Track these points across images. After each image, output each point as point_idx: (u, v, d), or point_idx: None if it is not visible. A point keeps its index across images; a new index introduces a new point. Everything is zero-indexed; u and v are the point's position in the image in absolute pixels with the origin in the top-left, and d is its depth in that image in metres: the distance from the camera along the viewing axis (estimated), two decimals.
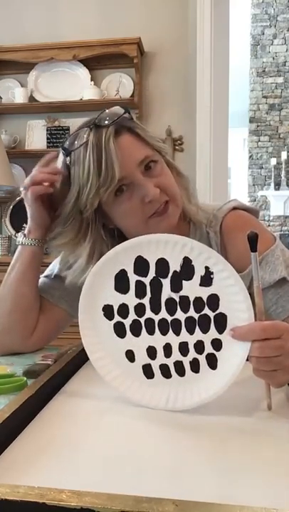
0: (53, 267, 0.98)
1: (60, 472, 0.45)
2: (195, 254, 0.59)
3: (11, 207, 2.80)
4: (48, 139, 2.79)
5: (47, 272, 0.99)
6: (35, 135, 2.87)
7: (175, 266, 0.60)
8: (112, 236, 0.86)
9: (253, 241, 0.58)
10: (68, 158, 0.82)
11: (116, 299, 0.62)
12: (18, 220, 2.78)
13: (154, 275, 0.60)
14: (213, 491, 0.41)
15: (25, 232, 0.92)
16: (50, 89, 2.81)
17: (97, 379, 0.70)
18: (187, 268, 0.59)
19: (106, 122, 0.79)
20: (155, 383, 0.62)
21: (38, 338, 0.93)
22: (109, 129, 0.78)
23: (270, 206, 6.62)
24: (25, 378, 0.73)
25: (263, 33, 6.52)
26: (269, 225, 6.45)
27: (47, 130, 2.79)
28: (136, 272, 0.61)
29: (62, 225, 0.85)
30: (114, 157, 0.77)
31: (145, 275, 0.61)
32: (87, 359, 0.78)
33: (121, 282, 0.62)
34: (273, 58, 6.55)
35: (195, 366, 0.60)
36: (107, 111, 0.82)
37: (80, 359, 0.76)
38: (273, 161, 6.54)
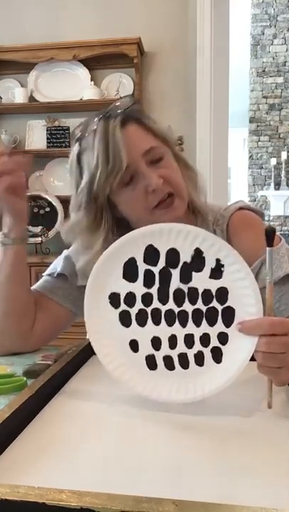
0: (55, 265, 0.98)
1: (60, 472, 0.45)
2: (207, 246, 0.58)
3: None
4: (48, 139, 2.79)
5: (49, 270, 0.98)
6: (35, 135, 2.87)
7: (186, 257, 0.59)
8: (124, 226, 0.86)
9: (269, 236, 0.58)
10: (79, 146, 0.84)
11: (123, 287, 0.61)
12: None
13: (164, 265, 0.60)
14: (213, 491, 0.41)
15: (5, 231, 0.88)
16: (50, 89, 2.81)
17: (97, 379, 0.70)
18: (198, 259, 0.59)
19: (115, 112, 0.82)
20: (158, 375, 0.61)
21: (39, 337, 0.93)
22: (116, 118, 0.81)
23: (270, 206, 6.62)
24: (25, 378, 0.73)
25: (263, 33, 6.52)
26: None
27: (47, 130, 2.79)
28: (146, 260, 0.60)
29: (76, 212, 0.86)
30: (121, 146, 0.79)
31: (155, 264, 0.60)
32: (87, 359, 0.78)
33: (129, 270, 0.61)
34: (273, 58, 6.56)
35: (199, 359, 0.60)
36: (117, 102, 0.85)
37: (80, 359, 0.76)
38: (273, 161, 6.54)
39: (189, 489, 0.42)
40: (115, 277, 0.62)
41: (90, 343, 0.80)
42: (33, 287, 0.97)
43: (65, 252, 0.99)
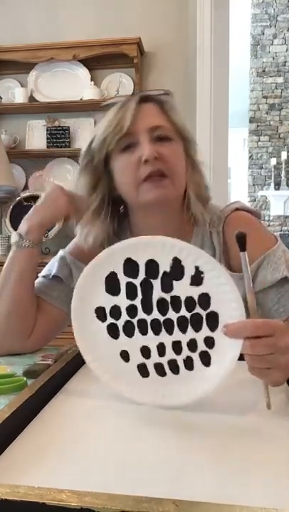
0: (51, 266, 0.98)
1: (60, 472, 0.45)
2: (184, 255, 0.59)
3: (11, 207, 2.79)
4: (48, 139, 2.79)
5: (44, 271, 0.99)
6: (35, 135, 2.87)
7: (165, 267, 0.60)
8: (119, 204, 0.92)
9: (240, 241, 0.58)
10: (102, 113, 0.89)
11: (108, 301, 0.62)
12: (18, 220, 2.78)
13: (144, 276, 0.60)
14: (213, 491, 0.41)
15: (22, 232, 0.90)
16: (50, 89, 2.81)
17: (97, 379, 0.70)
18: (177, 268, 0.59)
19: (141, 92, 0.89)
20: (151, 381, 0.62)
21: (36, 339, 0.93)
22: (137, 95, 0.87)
23: (270, 206, 6.62)
24: (25, 378, 0.73)
25: (263, 33, 6.52)
26: (269, 225, 6.45)
27: (47, 130, 2.79)
28: (126, 273, 0.61)
29: (78, 172, 0.91)
30: (129, 114, 0.83)
31: (135, 277, 0.61)
32: None
33: (111, 284, 0.62)
34: (273, 58, 6.55)
35: (189, 364, 0.61)
36: (151, 90, 0.92)
37: (80, 359, 0.76)
38: (273, 161, 6.54)
39: (189, 489, 0.42)
40: (99, 292, 0.62)
41: None
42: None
43: (61, 253, 0.99)
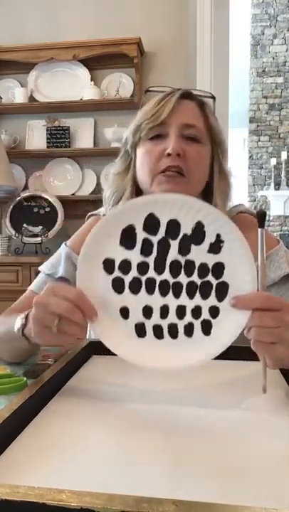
0: (54, 264, 0.96)
1: (60, 472, 0.45)
2: (209, 220, 0.59)
3: (11, 207, 2.80)
4: (48, 139, 2.79)
5: (48, 268, 0.97)
6: (35, 135, 2.87)
7: (186, 229, 0.59)
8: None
9: (261, 217, 0.60)
10: (145, 99, 0.93)
11: (119, 254, 0.61)
12: (18, 220, 2.78)
13: (164, 235, 0.60)
14: (213, 491, 0.41)
15: (25, 323, 0.73)
16: (50, 89, 2.81)
17: (97, 379, 0.70)
18: (199, 233, 0.59)
19: (184, 90, 0.90)
20: (146, 342, 0.61)
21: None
22: (181, 90, 0.89)
23: (270, 206, 6.62)
24: (25, 378, 0.73)
25: (263, 33, 6.52)
26: (269, 225, 6.45)
27: (47, 130, 2.79)
28: (145, 229, 0.60)
29: (118, 157, 0.94)
30: (167, 107, 0.85)
31: (154, 234, 0.60)
32: (87, 359, 0.78)
33: (127, 238, 0.60)
34: (273, 58, 6.56)
35: (189, 330, 0.60)
36: (196, 90, 0.94)
37: (80, 359, 0.76)
38: (273, 161, 6.54)
39: (189, 489, 0.42)
40: (112, 243, 0.61)
41: (90, 343, 0.81)
42: (31, 288, 0.96)
43: (65, 249, 0.98)
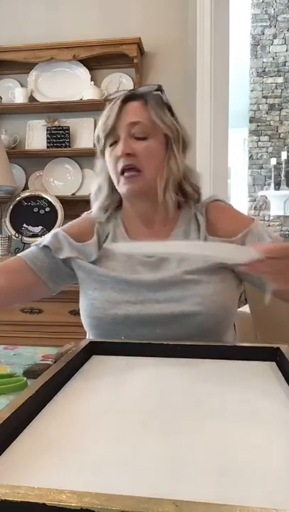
0: (44, 238, 1.06)
1: (60, 472, 0.45)
2: None
3: (11, 207, 2.80)
4: (48, 139, 2.79)
5: (37, 241, 1.07)
6: (35, 135, 2.87)
7: None
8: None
9: None
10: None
11: None
12: (18, 220, 2.78)
13: None
14: (213, 491, 0.41)
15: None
16: (50, 89, 2.81)
17: (97, 379, 0.70)
18: None
19: (131, 91, 0.98)
20: None
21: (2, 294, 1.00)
22: (123, 93, 0.97)
23: (270, 206, 6.62)
24: (25, 378, 0.73)
25: (263, 33, 6.53)
26: (269, 225, 6.45)
27: (47, 130, 2.79)
28: None
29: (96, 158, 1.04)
30: (114, 113, 0.95)
31: None
32: (87, 359, 0.78)
33: None
34: (273, 58, 6.56)
35: None
36: (145, 86, 1.01)
37: (80, 359, 0.76)
38: (273, 161, 6.54)
39: (189, 489, 0.42)
40: None
41: (90, 343, 0.81)
42: (18, 254, 1.06)
43: (55, 230, 1.08)
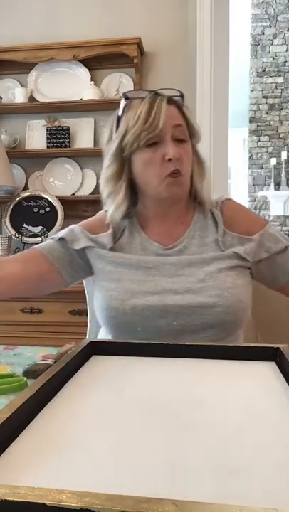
0: (60, 233, 1.08)
1: (60, 472, 0.45)
2: None
3: (11, 207, 2.80)
4: (48, 139, 2.79)
5: (54, 235, 1.09)
6: (35, 135, 2.87)
7: None
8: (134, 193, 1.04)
9: None
10: (125, 104, 0.99)
11: None
12: (18, 220, 2.78)
13: None
14: (213, 491, 0.41)
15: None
16: (50, 89, 2.81)
17: (98, 379, 0.70)
18: None
19: (163, 93, 0.98)
20: None
21: (15, 282, 1.01)
22: (164, 96, 0.97)
23: (270, 206, 6.62)
24: (25, 378, 0.73)
25: (263, 33, 6.53)
26: None
27: (47, 130, 2.79)
28: None
29: (108, 160, 1.01)
30: (163, 113, 0.94)
31: None
32: (87, 359, 0.78)
33: None
34: (273, 58, 6.56)
35: None
36: (167, 89, 1.01)
37: (80, 359, 0.76)
38: (273, 161, 6.54)
39: (189, 489, 0.42)
40: None
41: (90, 343, 0.81)
42: (34, 246, 1.08)
43: (71, 226, 1.10)
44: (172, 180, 0.96)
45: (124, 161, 1.00)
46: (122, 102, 1.00)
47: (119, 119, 1.00)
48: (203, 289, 0.93)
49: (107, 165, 1.02)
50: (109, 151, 1.01)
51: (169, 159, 0.94)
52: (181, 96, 1.01)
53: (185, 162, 0.97)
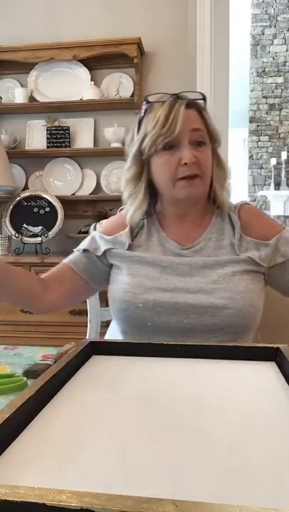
0: (84, 243, 1.11)
1: (60, 472, 0.45)
2: None
3: (11, 207, 2.80)
4: (48, 139, 2.79)
5: (78, 247, 1.12)
6: (35, 135, 2.87)
7: None
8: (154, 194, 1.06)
9: None
10: (146, 108, 1.00)
11: None
12: (18, 220, 2.78)
13: None
14: (213, 491, 0.41)
15: None
16: (50, 89, 2.81)
17: (97, 379, 0.70)
18: None
19: (184, 96, 1.00)
20: None
21: (53, 301, 1.05)
22: (184, 100, 0.98)
23: (270, 206, 6.62)
24: (25, 378, 0.73)
25: (263, 33, 6.53)
26: None
27: (47, 130, 2.79)
28: None
29: (129, 162, 1.04)
30: (180, 117, 0.95)
31: None
32: (87, 359, 0.78)
33: None
34: (273, 58, 6.56)
35: None
36: (188, 92, 1.03)
37: (80, 359, 0.76)
38: (273, 161, 6.54)
39: (189, 489, 0.42)
40: None
41: (90, 343, 0.81)
42: (64, 261, 1.11)
43: (92, 233, 1.13)
44: (185, 183, 0.97)
45: (143, 163, 1.02)
46: (144, 105, 1.02)
47: (140, 121, 1.02)
48: (215, 290, 0.95)
49: (128, 167, 1.05)
50: (130, 153, 1.04)
51: (185, 163, 0.95)
52: (203, 99, 1.01)
53: (203, 165, 0.98)
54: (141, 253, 1.03)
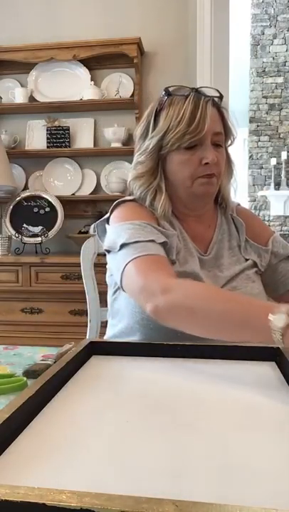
0: (143, 234, 0.93)
1: (60, 472, 0.45)
2: None
3: (11, 207, 2.80)
4: (48, 139, 2.79)
5: (136, 238, 0.92)
6: (35, 135, 2.87)
7: None
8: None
9: None
10: (167, 99, 0.97)
11: None
12: (18, 220, 2.78)
13: None
14: (213, 491, 0.41)
15: None
16: (50, 89, 2.81)
17: (97, 379, 0.70)
18: None
19: (206, 93, 0.97)
20: None
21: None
22: (209, 97, 0.96)
23: (270, 206, 6.62)
24: (25, 378, 0.73)
25: (263, 33, 6.53)
26: (269, 225, 6.44)
27: (47, 130, 2.79)
28: None
29: (144, 156, 1.00)
30: (208, 117, 0.94)
31: None
32: (87, 359, 0.78)
33: None
34: (273, 58, 6.56)
35: None
36: (208, 88, 1.00)
37: (80, 359, 0.76)
38: (273, 161, 6.54)
39: (189, 489, 0.42)
40: None
41: (90, 343, 0.81)
42: (149, 253, 0.90)
43: (133, 222, 0.96)
44: (205, 180, 0.98)
45: (159, 158, 1.00)
46: (163, 97, 0.98)
47: (157, 114, 0.98)
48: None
49: (142, 161, 1.01)
50: (144, 146, 1.00)
51: (206, 163, 0.96)
52: (220, 97, 1.00)
53: (220, 165, 1.00)
54: (180, 267, 0.97)
